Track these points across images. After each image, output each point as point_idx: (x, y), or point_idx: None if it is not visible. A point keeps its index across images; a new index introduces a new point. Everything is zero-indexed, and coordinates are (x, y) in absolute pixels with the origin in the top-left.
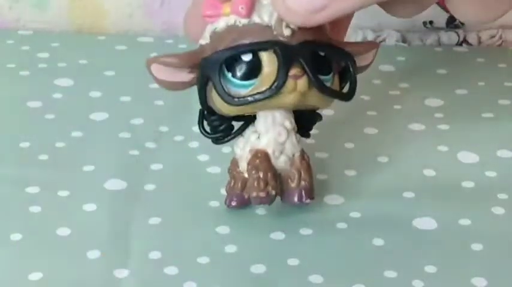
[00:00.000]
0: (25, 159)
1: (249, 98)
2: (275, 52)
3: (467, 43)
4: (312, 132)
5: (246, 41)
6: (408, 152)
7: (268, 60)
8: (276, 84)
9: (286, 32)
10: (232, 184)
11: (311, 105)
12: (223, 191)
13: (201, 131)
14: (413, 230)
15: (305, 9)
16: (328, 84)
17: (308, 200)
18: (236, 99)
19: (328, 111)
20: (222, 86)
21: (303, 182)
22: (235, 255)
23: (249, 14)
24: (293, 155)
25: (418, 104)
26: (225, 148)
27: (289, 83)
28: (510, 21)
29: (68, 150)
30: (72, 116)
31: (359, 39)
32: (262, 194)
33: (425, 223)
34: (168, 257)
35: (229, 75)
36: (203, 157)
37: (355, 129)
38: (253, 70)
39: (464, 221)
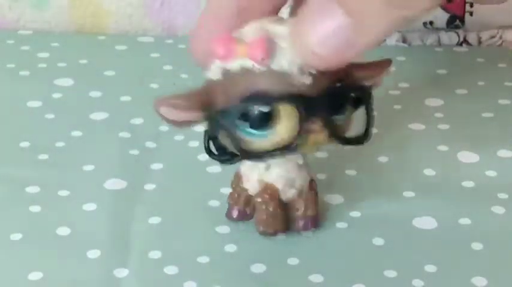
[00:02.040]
0: (25, 159)
1: (267, 155)
2: (295, 107)
3: (467, 43)
4: None
5: (262, 89)
6: (408, 152)
7: (287, 111)
8: (296, 142)
9: (307, 80)
10: (236, 196)
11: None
12: (223, 191)
13: (207, 152)
14: (413, 230)
15: (334, 51)
16: (342, 121)
17: (313, 229)
18: (253, 155)
19: None
20: (238, 141)
21: (309, 212)
22: (235, 255)
23: (267, 62)
24: (302, 187)
25: (418, 104)
26: None
27: (309, 139)
28: (510, 21)
29: (68, 150)
30: (72, 116)
31: None
32: (270, 231)
33: (425, 222)
34: (168, 257)
35: (244, 124)
36: (203, 157)
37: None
38: (270, 120)
39: (464, 221)
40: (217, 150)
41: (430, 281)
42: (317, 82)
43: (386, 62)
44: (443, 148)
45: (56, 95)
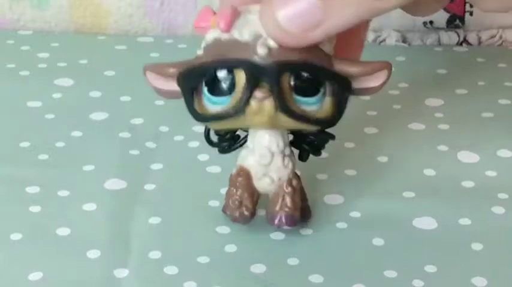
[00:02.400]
0: (25, 159)
1: (213, 117)
2: (244, 71)
3: (467, 43)
4: None
5: (223, 57)
6: (408, 152)
7: (241, 79)
8: (239, 105)
9: (261, 50)
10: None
11: (293, 128)
12: (223, 191)
13: (207, 141)
14: (413, 230)
15: (300, 29)
16: (313, 107)
17: (288, 227)
18: (202, 117)
19: None
20: (192, 103)
21: (285, 209)
22: (235, 255)
23: (227, 29)
24: (279, 179)
25: (418, 104)
26: None
27: (254, 104)
28: (510, 21)
29: (68, 150)
30: (72, 116)
31: None
32: (235, 214)
33: (425, 222)
34: (168, 257)
35: (206, 90)
36: (203, 157)
37: (355, 129)
38: (228, 87)
39: (464, 221)
40: (217, 139)
41: (430, 282)
42: (275, 54)
43: (385, 64)
44: (443, 148)
45: (56, 95)
